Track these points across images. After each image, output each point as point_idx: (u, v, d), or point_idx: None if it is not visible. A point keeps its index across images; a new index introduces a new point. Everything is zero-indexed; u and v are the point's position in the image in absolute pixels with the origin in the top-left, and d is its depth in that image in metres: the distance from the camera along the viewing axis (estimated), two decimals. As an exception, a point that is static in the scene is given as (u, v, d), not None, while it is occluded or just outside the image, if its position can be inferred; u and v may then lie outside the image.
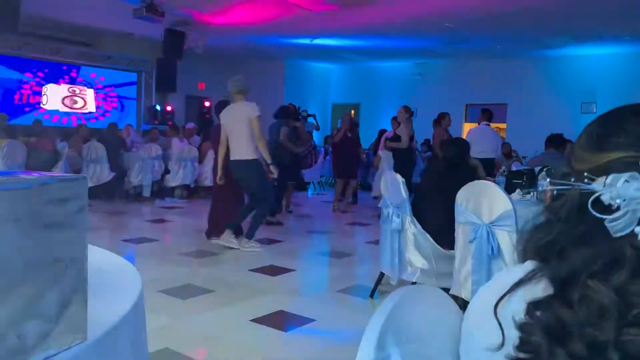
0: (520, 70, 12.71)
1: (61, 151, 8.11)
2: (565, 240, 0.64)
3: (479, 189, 3.15)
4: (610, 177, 0.61)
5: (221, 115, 5.41)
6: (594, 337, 0.57)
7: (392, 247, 3.71)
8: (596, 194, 0.61)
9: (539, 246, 0.67)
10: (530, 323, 0.61)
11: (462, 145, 4.12)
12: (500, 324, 0.64)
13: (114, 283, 1.21)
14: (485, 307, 0.68)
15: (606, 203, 0.61)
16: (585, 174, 0.63)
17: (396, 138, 7.48)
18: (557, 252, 0.64)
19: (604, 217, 0.60)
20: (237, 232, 5.45)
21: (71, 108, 11.75)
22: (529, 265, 0.68)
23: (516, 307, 0.63)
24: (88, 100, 12.02)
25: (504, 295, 0.66)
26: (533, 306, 0.62)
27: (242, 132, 5.19)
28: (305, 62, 14.59)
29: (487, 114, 8.06)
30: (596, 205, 0.61)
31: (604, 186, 0.61)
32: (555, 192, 0.68)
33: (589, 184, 0.62)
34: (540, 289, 0.64)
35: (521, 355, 0.60)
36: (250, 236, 5.44)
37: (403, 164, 7.03)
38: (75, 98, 11.83)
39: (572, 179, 0.64)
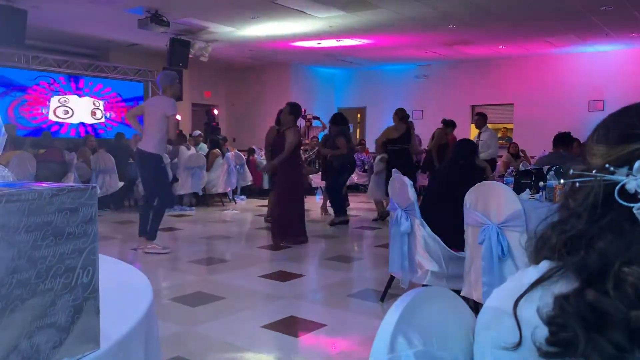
0: (525, 69, 12.68)
1: (70, 162, 8.16)
2: (593, 231, 0.65)
3: (487, 190, 3.14)
4: (636, 164, 0.62)
5: (146, 101, 5.69)
6: (637, 321, 0.57)
7: (401, 250, 3.70)
8: (622, 183, 0.62)
9: (564, 239, 0.67)
10: (562, 315, 0.61)
11: (469, 147, 4.11)
12: (518, 323, 0.64)
13: (125, 292, 1.22)
14: (501, 306, 0.68)
15: (632, 192, 0.62)
16: (607, 165, 0.64)
17: (393, 140, 7.61)
18: (585, 243, 0.64)
19: (632, 205, 0.61)
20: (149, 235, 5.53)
21: (79, 119, 11.84)
22: (545, 264, 0.68)
23: (538, 305, 0.63)
24: (96, 111, 12.11)
25: (524, 293, 0.66)
26: (563, 299, 0.62)
27: (153, 124, 5.30)
28: (310, 67, 14.62)
29: (485, 117, 8.46)
30: (622, 194, 0.62)
31: (627, 176, 0.62)
32: (577, 184, 0.68)
33: (612, 174, 0.63)
34: (560, 286, 0.64)
35: (552, 349, 0.61)
36: (149, 237, 5.48)
37: (398, 166, 7.02)
38: (83, 109, 11.92)
39: (594, 172, 0.65)
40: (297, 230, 6.02)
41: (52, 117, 11.42)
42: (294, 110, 6.19)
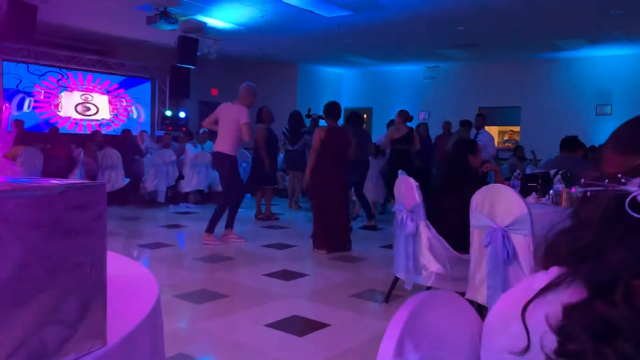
0: (533, 72, 12.63)
1: (77, 158, 8.19)
2: (603, 241, 0.64)
3: (493, 192, 3.13)
4: None
5: (219, 108, 6.10)
6: None
7: (406, 252, 3.70)
8: (633, 194, 0.61)
9: (573, 248, 0.67)
10: (571, 326, 0.61)
11: (463, 148, 4.02)
12: (526, 328, 0.64)
13: (131, 288, 1.22)
14: (508, 311, 0.68)
15: None
16: (620, 175, 0.63)
17: (396, 141, 7.60)
18: (595, 253, 0.64)
19: None
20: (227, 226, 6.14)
21: (86, 115, 11.89)
22: (555, 271, 0.67)
23: (546, 312, 0.63)
24: (103, 107, 12.16)
25: (532, 299, 0.65)
26: (571, 309, 0.62)
27: (230, 129, 5.82)
28: (317, 67, 14.62)
29: (485, 119, 8.59)
30: (633, 206, 0.61)
31: (639, 187, 0.62)
32: (588, 194, 0.68)
33: (624, 185, 0.62)
34: (569, 293, 0.63)
35: (561, 359, 0.60)
36: (228, 225, 6.10)
37: (401, 167, 6.99)
38: (90, 105, 11.97)
39: (606, 182, 0.64)
40: (317, 237, 5.73)
41: (59, 112, 11.48)
42: (325, 111, 6.06)
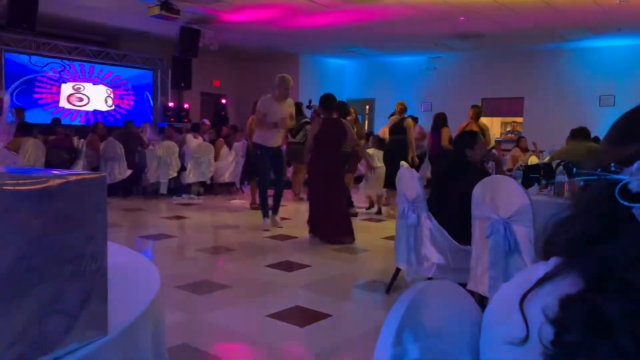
0: (536, 63, 12.57)
1: (79, 149, 8.20)
2: (595, 231, 0.64)
3: (495, 184, 3.12)
4: (635, 165, 0.61)
5: None
6: None
7: (407, 243, 3.70)
8: (622, 182, 0.61)
9: (567, 239, 0.66)
10: (566, 318, 0.60)
11: (462, 140, 4.01)
12: (525, 319, 0.64)
13: (132, 279, 1.23)
14: (508, 301, 0.68)
15: (634, 192, 0.61)
16: (613, 164, 0.63)
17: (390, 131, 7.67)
18: (588, 244, 0.64)
19: (633, 205, 0.60)
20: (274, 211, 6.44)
21: (88, 106, 11.89)
22: (554, 261, 0.67)
23: (544, 302, 0.63)
24: (105, 99, 12.15)
25: (530, 289, 0.65)
26: (567, 301, 0.61)
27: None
28: (319, 58, 14.57)
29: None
30: (624, 194, 0.61)
31: (630, 175, 0.61)
32: (582, 183, 0.67)
33: (617, 174, 0.62)
34: (567, 284, 0.63)
35: (557, 351, 0.60)
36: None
37: (394, 157, 6.94)
38: (92, 96, 11.96)
39: (599, 171, 0.64)
40: (312, 224, 5.85)
41: (63, 103, 11.48)
42: (320, 102, 6.08)
